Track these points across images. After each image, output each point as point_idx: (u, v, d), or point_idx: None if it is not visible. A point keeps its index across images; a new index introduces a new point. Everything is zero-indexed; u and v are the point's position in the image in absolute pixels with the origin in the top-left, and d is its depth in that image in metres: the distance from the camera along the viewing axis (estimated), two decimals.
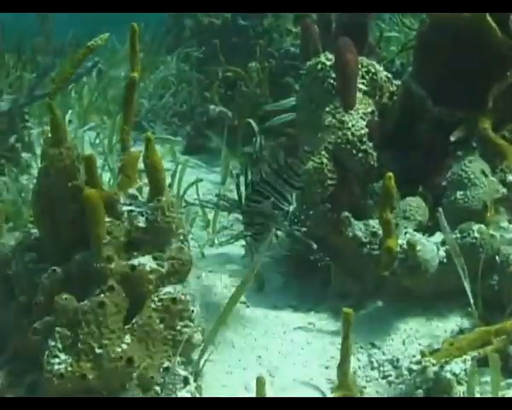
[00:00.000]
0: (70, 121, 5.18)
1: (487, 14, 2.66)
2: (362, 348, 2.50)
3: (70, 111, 5.21)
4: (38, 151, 4.55)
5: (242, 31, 5.42)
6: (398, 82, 3.02)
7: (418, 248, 2.47)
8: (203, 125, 4.78)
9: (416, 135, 2.88)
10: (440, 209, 2.46)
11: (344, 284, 2.79)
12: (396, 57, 4.44)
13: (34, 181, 4.12)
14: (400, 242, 2.51)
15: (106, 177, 3.90)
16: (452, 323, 2.58)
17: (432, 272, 2.51)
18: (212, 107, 4.68)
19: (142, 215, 2.19)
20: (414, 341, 2.52)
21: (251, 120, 4.24)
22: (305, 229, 2.63)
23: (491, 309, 2.50)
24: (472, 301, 2.41)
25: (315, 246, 2.59)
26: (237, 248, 3.22)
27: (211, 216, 3.57)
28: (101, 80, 6.04)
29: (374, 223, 2.70)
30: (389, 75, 3.00)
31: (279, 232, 2.62)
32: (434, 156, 2.85)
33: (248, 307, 2.77)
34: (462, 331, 2.53)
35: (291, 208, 2.71)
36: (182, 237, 2.26)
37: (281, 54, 4.80)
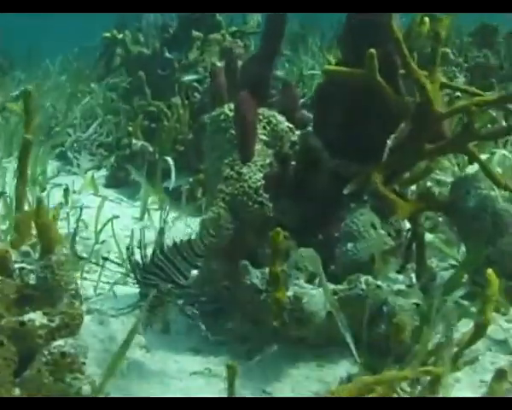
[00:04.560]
0: None
1: (377, 74, 2.79)
2: (252, 395, 2.59)
3: None
4: None
5: (168, 63, 5.49)
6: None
7: (305, 300, 2.59)
8: (126, 158, 4.83)
9: (314, 186, 2.98)
10: (321, 269, 2.59)
11: (243, 329, 2.89)
12: None
13: None
14: (289, 293, 2.62)
15: None
16: (342, 369, 2.69)
17: (318, 323, 2.63)
18: (134, 141, 4.74)
19: (33, 273, 2.28)
20: (303, 387, 2.62)
21: (168, 158, 4.33)
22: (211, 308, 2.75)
23: (379, 357, 2.62)
24: (355, 351, 2.53)
25: (203, 328, 2.71)
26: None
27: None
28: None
29: None
30: (291, 125, 3.11)
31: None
32: (330, 208, 2.96)
33: (148, 351, 2.84)
34: (350, 377, 2.64)
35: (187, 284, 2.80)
36: (73, 292, 2.34)
37: (205, 89, 4.88)
